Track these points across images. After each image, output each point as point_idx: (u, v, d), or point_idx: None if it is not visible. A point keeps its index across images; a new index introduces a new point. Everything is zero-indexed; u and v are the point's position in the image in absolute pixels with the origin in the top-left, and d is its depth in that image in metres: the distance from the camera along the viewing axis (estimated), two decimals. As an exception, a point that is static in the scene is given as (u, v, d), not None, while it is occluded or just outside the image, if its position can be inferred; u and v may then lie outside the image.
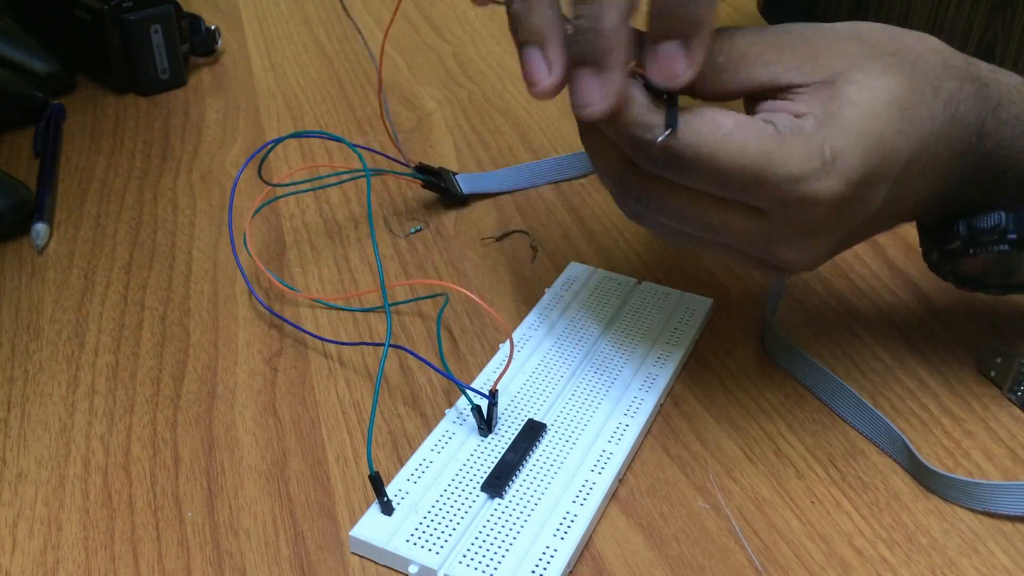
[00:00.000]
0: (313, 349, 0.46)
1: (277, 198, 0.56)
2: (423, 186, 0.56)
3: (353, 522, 0.37)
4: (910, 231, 0.55)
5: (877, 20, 0.37)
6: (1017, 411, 0.43)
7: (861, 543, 0.37)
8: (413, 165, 0.56)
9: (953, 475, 0.39)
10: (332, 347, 0.46)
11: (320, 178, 0.58)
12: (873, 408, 0.41)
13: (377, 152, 0.56)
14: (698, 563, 0.36)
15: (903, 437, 0.40)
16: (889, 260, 0.52)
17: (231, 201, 0.50)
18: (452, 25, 0.80)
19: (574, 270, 0.50)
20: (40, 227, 0.53)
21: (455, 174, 0.57)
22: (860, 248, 0.53)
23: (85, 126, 0.65)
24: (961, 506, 0.39)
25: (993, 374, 0.44)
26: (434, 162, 0.61)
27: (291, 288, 0.50)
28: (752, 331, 0.47)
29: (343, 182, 0.57)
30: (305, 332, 0.46)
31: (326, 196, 0.57)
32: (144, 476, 0.39)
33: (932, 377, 0.45)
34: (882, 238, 0.54)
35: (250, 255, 0.49)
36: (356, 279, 0.51)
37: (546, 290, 0.49)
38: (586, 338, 0.45)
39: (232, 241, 0.50)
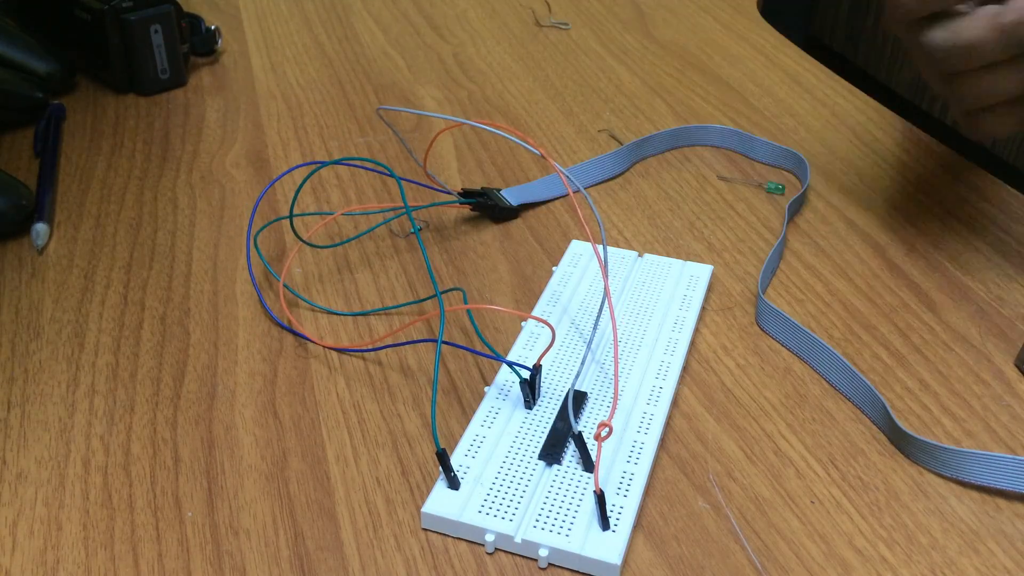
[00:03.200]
0: (313, 348, 0.46)
1: (280, 218, 0.56)
2: (472, 209, 0.56)
3: (353, 522, 0.37)
4: (910, 231, 0.55)
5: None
6: (1017, 411, 0.43)
7: (861, 543, 0.37)
8: (457, 191, 0.55)
9: (926, 439, 0.40)
10: (331, 342, 0.46)
11: (362, 212, 0.57)
12: (858, 373, 0.43)
13: (412, 181, 0.55)
14: (698, 563, 0.36)
15: (883, 400, 0.41)
16: (889, 260, 0.52)
17: (249, 225, 0.50)
18: (452, 25, 0.80)
19: (577, 247, 0.52)
20: (40, 227, 0.53)
21: (499, 190, 0.56)
22: (860, 248, 0.53)
23: (85, 126, 0.65)
24: (935, 472, 0.40)
25: None
26: (434, 162, 0.61)
27: (312, 303, 0.50)
28: (749, 329, 0.47)
29: (387, 221, 0.55)
30: (332, 348, 0.47)
31: (326, 197, 0.57)
32: (144, 476, 0.39)
33: (932, 377, 0.45)
34: (882, 238, 0.54)
35: (261, 268, 0.49)
36: (356, 279, 0.51)
37: (554, 269, 0.50)
38: (602, 310, 0.46)
39: (250, 262, 0.50)
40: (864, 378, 0.43)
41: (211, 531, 0.37)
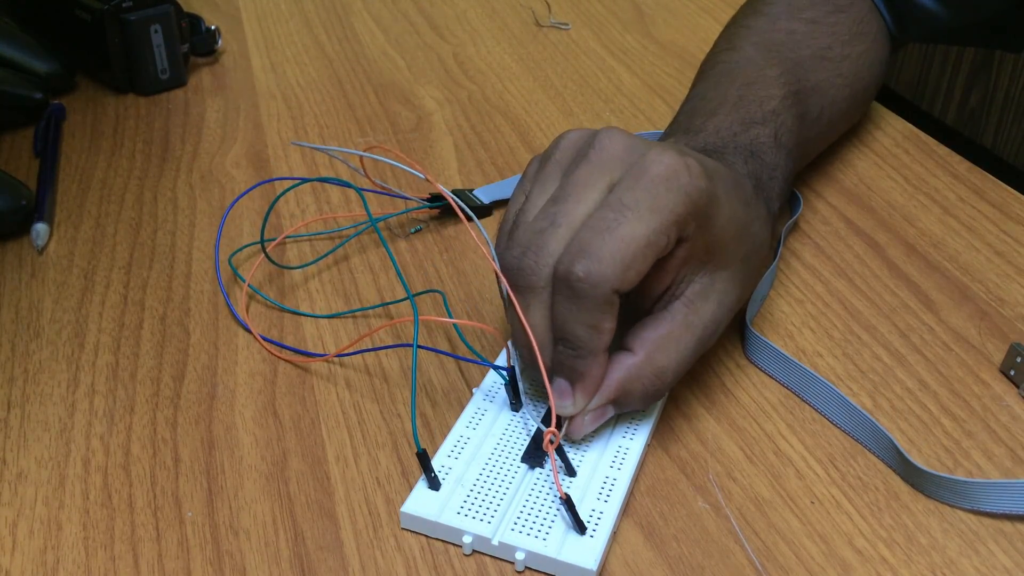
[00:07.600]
0: (313, 349, 0.46)
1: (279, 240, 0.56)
2: (440, 213, 0.56)
3: (353, 522, 0.37)
4: (910, 231, 0.55)
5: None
6: (1017, 411, 0.43)
7: (861, 543, 0.37)
8: (424, 198, 0.55)
9: (942, 474, 0.38)
10: (331, 347, 0.46)
11: (329, 232, 0.58)
12: (860, 409, 0.41)
13: (387, 192, 0.55)
14: (698, 563, 0.36)
15: (891, 437, 0.40)
16: (889, 260, 0.52)
17: (217, 244, 0.50)
18: (452, 25, 0.80)
19: None
20: (40, 227, 0.53)
21: (470, 191, 0.57)
22: (860, 248, 0.53)
23: (85, 126, 0.65)
24: (952, 506, 0.38)
25: (1012, 373, 0.44)
26: (434, 162, 0.61)
27: (294, 311, 0.50)
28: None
29: (351, 238, 0.53)
30: (308, 354, 0.46)
31: (326, 197, 0.57)
32: (144, 476, 0.39)
33: (932, 377, 0.45)
34: (882, 238, 0.54)
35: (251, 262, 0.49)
36: (356, 279, 0.51)
37: None
38: None
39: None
40: (869, 415, 0.41)
41: (211, 531, 0.37)
